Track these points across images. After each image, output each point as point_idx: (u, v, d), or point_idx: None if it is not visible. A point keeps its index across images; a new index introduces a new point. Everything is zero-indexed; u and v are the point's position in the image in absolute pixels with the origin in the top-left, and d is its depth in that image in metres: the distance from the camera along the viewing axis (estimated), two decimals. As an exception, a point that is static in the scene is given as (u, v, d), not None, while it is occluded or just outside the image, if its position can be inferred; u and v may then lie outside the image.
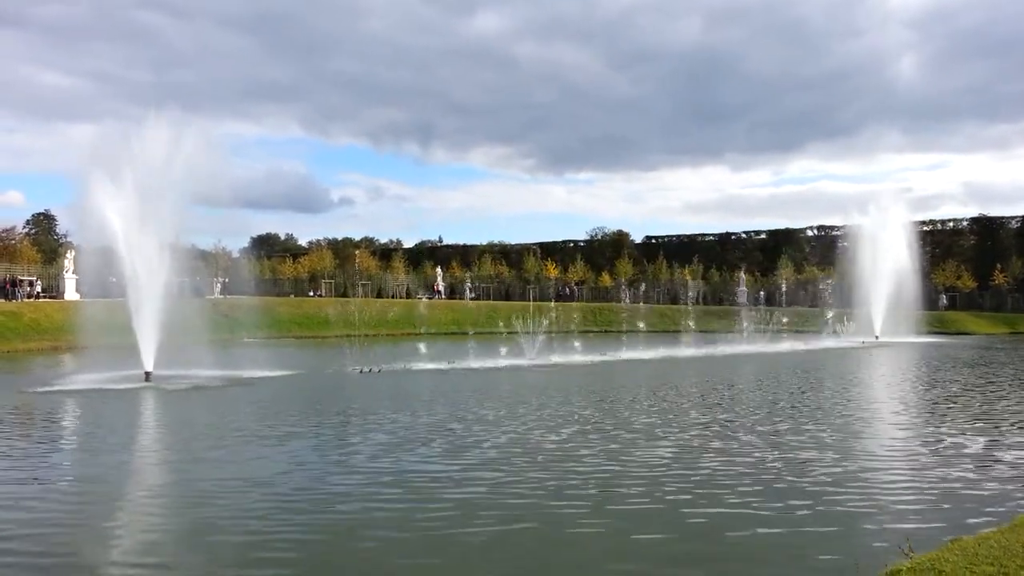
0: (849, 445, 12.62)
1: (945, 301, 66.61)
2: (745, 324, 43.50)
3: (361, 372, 24.65)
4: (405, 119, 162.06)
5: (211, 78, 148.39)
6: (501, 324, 34.65)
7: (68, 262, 46.03)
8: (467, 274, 72.73)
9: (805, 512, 8.77)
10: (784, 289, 70.84)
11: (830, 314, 47.67)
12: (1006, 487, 9.88)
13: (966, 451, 12.10)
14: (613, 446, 12.52)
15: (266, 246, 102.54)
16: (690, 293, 65.55)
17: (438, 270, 71.17)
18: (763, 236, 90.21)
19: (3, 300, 42.71)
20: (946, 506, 8.99)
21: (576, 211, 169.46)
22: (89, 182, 22.49)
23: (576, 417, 15.52)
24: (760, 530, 8.16)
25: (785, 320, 46.50)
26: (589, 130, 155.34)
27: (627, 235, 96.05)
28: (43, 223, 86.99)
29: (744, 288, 70.49)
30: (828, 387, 21.22)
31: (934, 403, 17.95)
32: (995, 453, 12.03)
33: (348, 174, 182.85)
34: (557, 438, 13.18)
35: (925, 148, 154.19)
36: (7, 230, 65.09)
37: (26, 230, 78.22)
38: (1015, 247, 73.52)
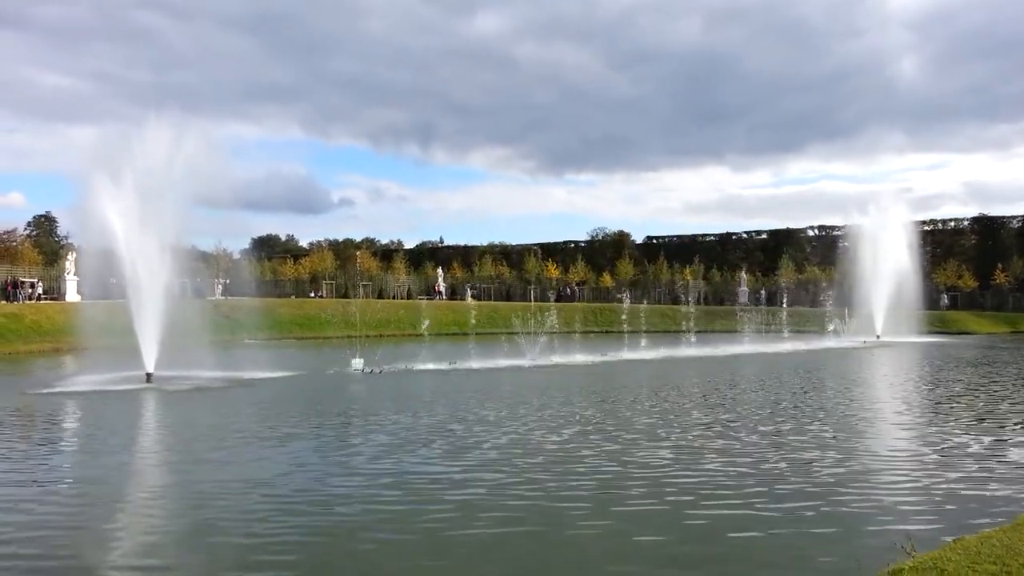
0: (851, 445, 12.60)
1: (946, 301, 66.58)
2: (746, 324, 43.51)
3: (364, 372, 24.66)
4: (405, 120, 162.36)
5: (211, 79, 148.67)
6: (502, 325, 34.64)
7: (69, 264, 46.07)
8: (468, 274, 72.89)
9: (807, 512, 8.75)
10: (785, 289, 70.90)
11: (831, 314, 47.68)
12: (1009, 486, 9.86)
13: (969, 451, 12.08)
14: (614, 447, 12.50)
15: (267, 247, 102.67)
16: (688, 296, 65.52)
17: (439, 271, 71.17)
18: (764, 236, 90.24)
19: (4, 302, 42.76)
20: (949, 506, 8.97)
21: (577, 212, 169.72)
22: (90, 183, 22.52)
23: (577, 418, 15.50)
24: (762, 530, 8.14)
25: (786, 320, 46.48)
26: (589, 131, 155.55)
27: (628, 235, 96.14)
28: (44, 225, 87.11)
29: (745, 288, 70.52)
30: (830, 387, 21.20)
31: (937, 403, 17.92)
32: (998, 453, 12.00)
33: (348, 175, 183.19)
34: (558, 439, 13.17)
35: (926, 148, 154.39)
36: (8, 232, 65.20)
37: (27, 232, 78.35)
38: (1016, 247, 73.50)
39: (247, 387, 21.07)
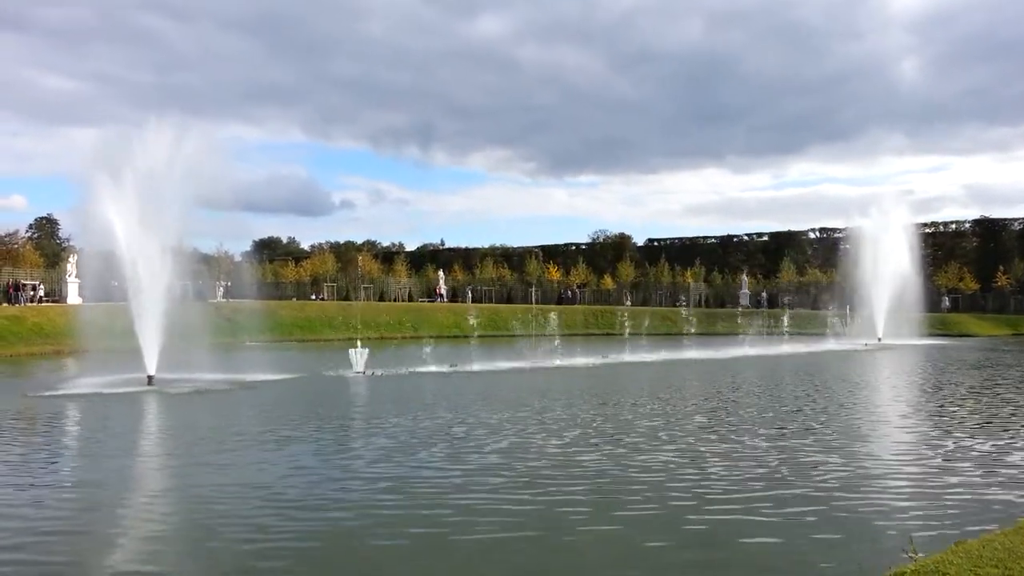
0: (854, 448, 12.58)
1: (947, 303, 66.46)
2: (747, 327, 43.45)
3: (365, 375, 24.67)
4: (405, 122, 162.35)
5: (213, 80, 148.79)
6: (503, 327, 34.63)
7: (71, 266, 46.08)
8: (469, 277, 72.90)
9: (809, 516, 8.74)
10: (787, 291, 70.86)
11: (832, 316, 47.63)
12: (1012, 490, 9.84)
13: (972, 454, 12.06)
14: (615, 450, 12.49)
15: (268, 250, 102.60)
16: (684, 298, 65.56)
17: (440, 273, 71.16)
18: (765, 238, 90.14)
19: (6, 304, 42.80)
20: (951, 509, 8.95)
21: (577, 214, 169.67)
22: (92, 186, 22.56)
23: (578, 420, 15.49)
24: (763, 535, 8.12)
25: (787, 322, 46.45)
26: (589, 132, 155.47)
27: (629, 238, 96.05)
28: (46, 227, 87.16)
29: (746, 290, 70.47)
30: (832, 390, 21.17)
31: (939, 406, 17.90)
32: (1001, 456, 11.97)
33: (349, 177, 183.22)
34: (559, 442, 13.16)
35: (926, 150, 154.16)
36: (10, 234, 65.18)
37: (29, 234, 78.31)
38: (1017, 249, 73.40)
39: (248, 390, 21.07)
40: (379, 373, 25.08)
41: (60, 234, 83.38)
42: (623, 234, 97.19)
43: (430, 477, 10.63)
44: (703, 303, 71.49)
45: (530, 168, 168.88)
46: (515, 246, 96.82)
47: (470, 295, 69.10)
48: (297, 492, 9.84)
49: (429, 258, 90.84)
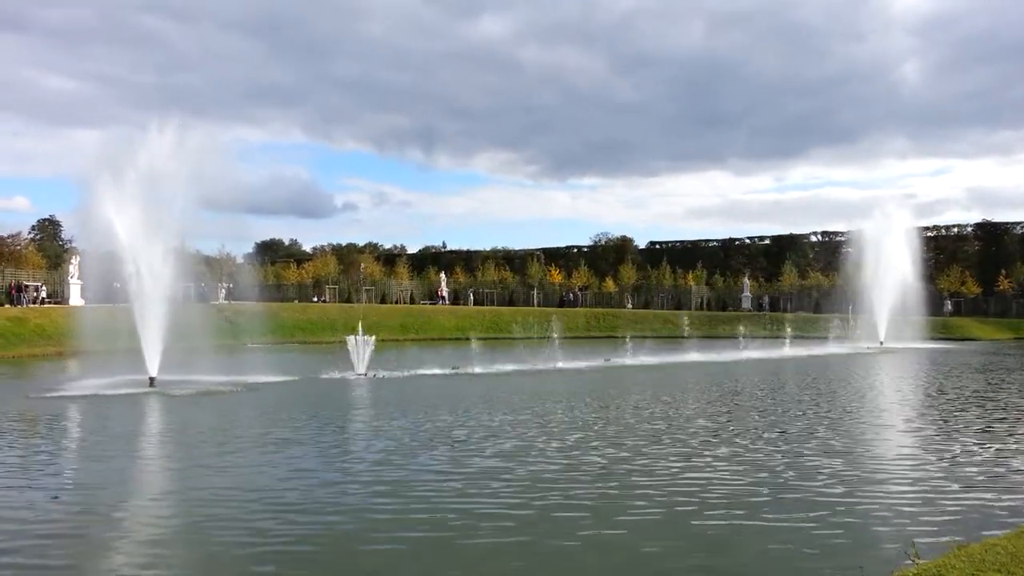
0: (856, 452, 12.57)
1: (950, 307, 66.35)
2: (749, 330, 43.41)
3: (367, 377, 24.67)
4: (408, 124, 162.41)
5: (215, 81, 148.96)
6: (505, 329, 34.62)
7: (73, 267, 46.17)
8: (471, 279, 72.92)
9: (811, 519, 8.73)
10: (789, 294, 70.81)
11: (834, 320, 47.58)
12: (1015, 495, 9.82)
13: (975, 458, 12.04)
14: (617, 453, 12.48)
15: (270, 251, 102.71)
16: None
17: (442, 276, 71.17)
18: (767, 241, 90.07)
19: (8, 306, 42.86)
20: (953, 513, 8.94)
21: (579, 216, 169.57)
22: (94, 187, 22.59)
23: (580, 423, 15.49)
24: (766, 538, 8.11)
25: (789, 325, 46.40)
26: (591, 134, 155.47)
27: (631, 240, 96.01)
28: (48, 228, 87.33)
29: (748, 293, 70.39)
30: (834, 393, 21.14)
31: (942, 410, 17.86)
32: (1004, 461, 11.95)
33: (351, 179, 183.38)
34: (561, 445, 13.15)
35: (928, 154, 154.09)
36: (13, 235, 65.27)
37: (31, 235, 78.44)
38: (1020, 252, 73.27)
39: (250, 391, 21.07)
40: (381, 375, 25.08)
41: (62, 236, 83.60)
42: (625, 237, 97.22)
43: (430, 480, 10.62)
44: (705, 306, 71.44)
45: (532, 170, 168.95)
46: (517, 248, 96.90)
47: (472, 297, 69.10)
48: (297, 495, 9.84)
49: (431, 260, 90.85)
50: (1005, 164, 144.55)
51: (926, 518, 8.75)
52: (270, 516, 8.90)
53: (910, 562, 5.94)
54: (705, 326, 59.83)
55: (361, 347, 25.79)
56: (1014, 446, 13.19)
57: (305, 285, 69.13)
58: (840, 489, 10.04)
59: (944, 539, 7.67)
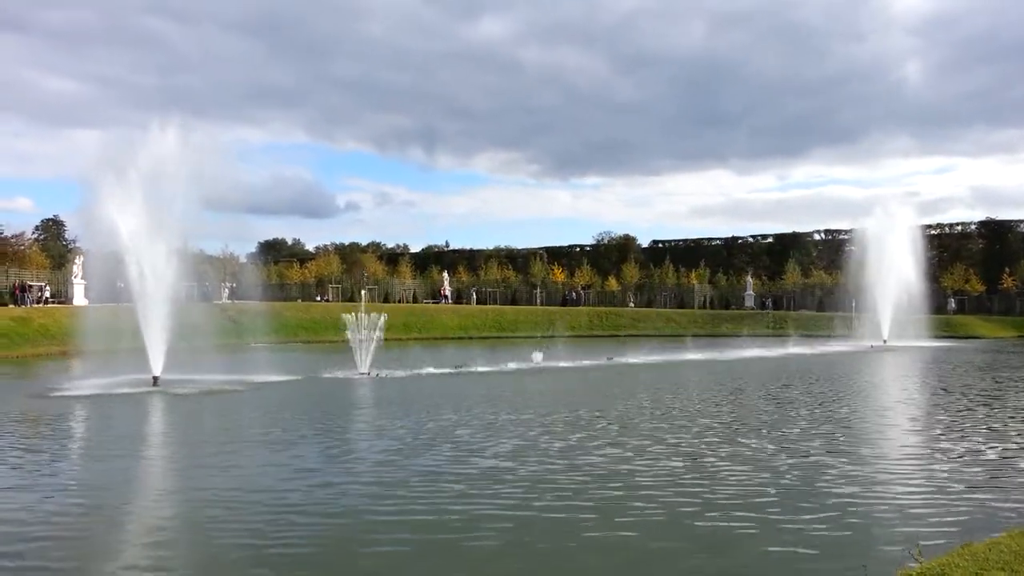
0: (861, 452, 12.54)
1: (953, 305, 66.22)
2: (752, 328, 43.37)
3: (370, 376, 24.69)
4: (409, 124, 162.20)
5: (216, 82, 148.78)
6: (508, 328, 34.61)
7: (76, 267, 46.25)
8: (474, 278, 72.92)
9: (815, 518, 8.72)
10: (792, 293, 70.69)
11: (838, 318, 47.53)
12: (1019, 493, 9.81)
13: (980, 457, 12.01)
14: (620, 453, 12.48)
15: (273, 251, 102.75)
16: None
17: (444, 275, 71.18)
18: (770, 240, 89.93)
19: (12, 305, 42.95)
20: (958, 512, 8.92)
21: (581, 216, 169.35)
22: (97, 187, 22.64)
23: (583, 423, 15.48)
24: (769, 537, 8.10)
25: (792, 324, 46.35)
26: (592, 134, 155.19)
27: (633, 239, 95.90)
28: (52, 229, 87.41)
29: (751, 292, 70.32)
30: (838, 392, 21.11)
31: (947, 408, 17.82)
32: (1010, 459, 11.94)
33: (354, 179, 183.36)
34: (564, 444, 13.14)
35: (931, 152, 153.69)
36: (16, 236, 65.40)
37: (35, 236, 78.55)
38: (1023, 250, 73.14)
39: (253, 391, 21.10)
40: (383, 374, 25.09)
41: (66, 236, 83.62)
42: (627, 236, 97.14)
43: (433, 481, 10.60)
44: (708, 305, 71.40)
45: (534, 170, 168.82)
46: (519, 247, 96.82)
47: (475, 296, 69.11)
48: (299, 496, 9.83)
49: (434, 259, 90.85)
50: (1009, 162, 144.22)
51: (931, 518, 8.72)
52: (272, 517, 8.90)
53: (914, 560, 5.93)
54: (708, 325, 59.81)
55: (365, 342, 25.83)
56: (1019, 445, 13.15)
57: (308, 284, 69.19)
58: (845, 489, 10.02)
59: (949, 539, 7.65)
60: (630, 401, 18.98)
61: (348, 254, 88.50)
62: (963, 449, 12.65)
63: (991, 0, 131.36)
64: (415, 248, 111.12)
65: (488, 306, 64.84)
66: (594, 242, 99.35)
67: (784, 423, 15.41)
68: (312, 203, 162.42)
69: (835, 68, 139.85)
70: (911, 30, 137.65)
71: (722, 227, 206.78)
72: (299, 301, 61.32)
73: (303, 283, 69.58)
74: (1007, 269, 69.28)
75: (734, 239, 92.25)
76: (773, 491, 9.91)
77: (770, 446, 12.92)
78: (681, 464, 11.56)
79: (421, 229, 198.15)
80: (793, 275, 73.73)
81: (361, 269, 72.53)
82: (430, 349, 39.92)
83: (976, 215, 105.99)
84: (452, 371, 26.71)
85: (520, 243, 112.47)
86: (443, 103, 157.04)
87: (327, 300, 63.60)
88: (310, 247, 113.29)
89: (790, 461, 11.71)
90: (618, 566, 7.38)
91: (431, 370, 26.63)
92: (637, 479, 10.61)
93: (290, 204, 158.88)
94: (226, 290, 54.12)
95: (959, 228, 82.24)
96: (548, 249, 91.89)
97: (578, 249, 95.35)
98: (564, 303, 68.88)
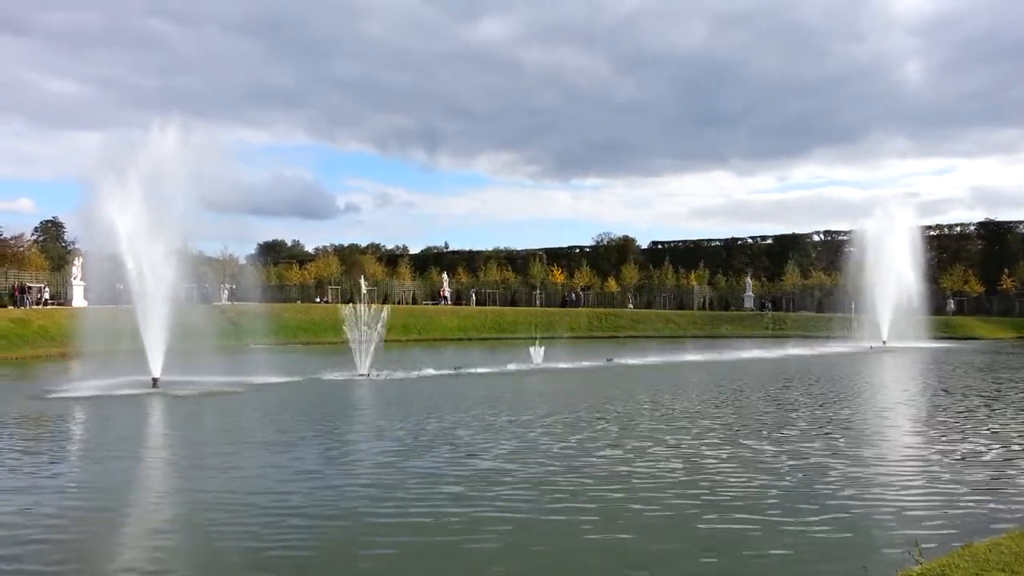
0: (861, 452, 12.53)
1: (952, 306, 66.29)
2: (752, 329, 43.37)
3: (369, 378, 24.68)
4: (410, 125, 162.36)
5: (217, 83, 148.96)
6: (507, 330, 34.59)
7: (76, 269, 46.22)
8: (473, 279, 72.93)
9: (816, 519, 8.71)
10: (791, 294, 70.71)
11: (837, 319, 47.55)
12: (1020, 494, 9.80)
13: (980, 458, 12.01)
14: (621, 454, 12.46)
15: (273, 252, 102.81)
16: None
17: (444, 276, 71.20)
18: (769, 241, 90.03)
19: (12, 307, 42.93)
20: (958, 512, 8.92)
21: (581, 217, 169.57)
22: (96, 189, 22.63)
23: (583, 424, 15.47)
24: (770, 538, 8.09)
25: (792, 325, 46.35)
26: (592, 134, 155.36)
27: (633, 240, 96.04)
28: (51, 230, 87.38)
29: (751, 293, 70.35)
30: (838, 393, 21.10)
31: (947, 409, 17.81)
32: (1010, 460, 11.93)
33: (354, 180, 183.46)
34: (564, 445, 13.13)
35: (931, 153, 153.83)
36: (16, 237, 65.42)
37: (34, 237, 78.56)
38: (1023, 251, 73.17)
39: (253, 392, 21.09)
40: (383, 376, 25.09)
41: (65, 237, 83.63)
42: (627, 237, 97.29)
43: (433, 483, 10.59)
44: (707, 306, 71.41)
45: (533, 171, 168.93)
46: (519, 249, 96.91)
47: (474, 298, 69.11)
48: (299, 498, 9.80)
49: (433, 261, 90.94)
50: (1008, 163, 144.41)
51: (931, 519, 8.71)
52: (272, 519, 8.89)
53: (914, 560, 5.93)
54: (708, 326, 59.83)
55: (365, 343, 25.84)
56: (1019, 446, 13.15)
57: (307, 286, 69.24)
58: (845, 490, 10.01)
59: (950, 541, 7.65)
60: (630, 402, 18.97)
61: (347, 255, 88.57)
62: (963, 450, 12.64)
63: (991, 0, 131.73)
64: (414, 249, 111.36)
65: (487, 307, 64.82)
66: (594, 243, 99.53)
67: (784, 424, 15.40)
68: (312, 204, 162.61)
69: (835, 68, 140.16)
70: (911, 30, 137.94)
71: (722, 228, 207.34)
72: (298, 302, 61.32)
73: (302, 284, 69.63)
74: (1006, 270, 69.34)
75: (733, 240, 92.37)
76: (773, 492, 9.90)
77: (770, 447, 12.91)
78: (681, 465, 11.54)
79: (421, 230, 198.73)
80: (792, 276, 73.78)
81: (360, 271, 72.53)
82: (429, 350, 39.91)
83: (976, 216, 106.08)
84: (451, 372, 26.70)
85: (519, 244, 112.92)
86: (443, 103, 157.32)
87: (326, 302, 63.61)
88: (309, 248, 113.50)
89: (790, 463, 11.70)
90: (618, 568, 7.37)
91: (430, 371, 26.62)
92: (637, 481, 10.60)
93: (290, 205, 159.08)
94: (225, 291, 54.10)
95: (958, 229, 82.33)
96: (547, 250, 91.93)
97: (577, 250, 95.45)
98: (563, 304, 68.89)
